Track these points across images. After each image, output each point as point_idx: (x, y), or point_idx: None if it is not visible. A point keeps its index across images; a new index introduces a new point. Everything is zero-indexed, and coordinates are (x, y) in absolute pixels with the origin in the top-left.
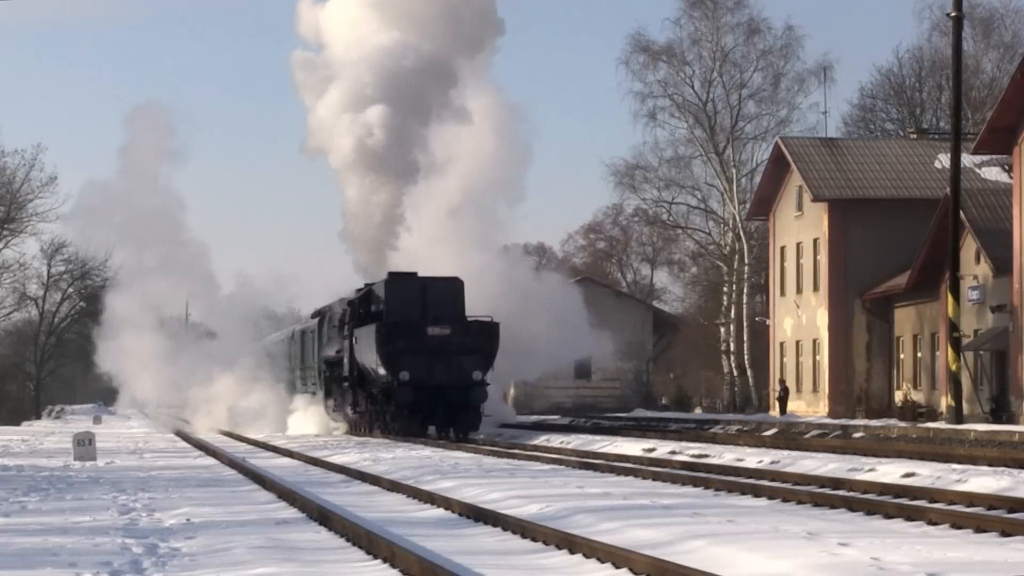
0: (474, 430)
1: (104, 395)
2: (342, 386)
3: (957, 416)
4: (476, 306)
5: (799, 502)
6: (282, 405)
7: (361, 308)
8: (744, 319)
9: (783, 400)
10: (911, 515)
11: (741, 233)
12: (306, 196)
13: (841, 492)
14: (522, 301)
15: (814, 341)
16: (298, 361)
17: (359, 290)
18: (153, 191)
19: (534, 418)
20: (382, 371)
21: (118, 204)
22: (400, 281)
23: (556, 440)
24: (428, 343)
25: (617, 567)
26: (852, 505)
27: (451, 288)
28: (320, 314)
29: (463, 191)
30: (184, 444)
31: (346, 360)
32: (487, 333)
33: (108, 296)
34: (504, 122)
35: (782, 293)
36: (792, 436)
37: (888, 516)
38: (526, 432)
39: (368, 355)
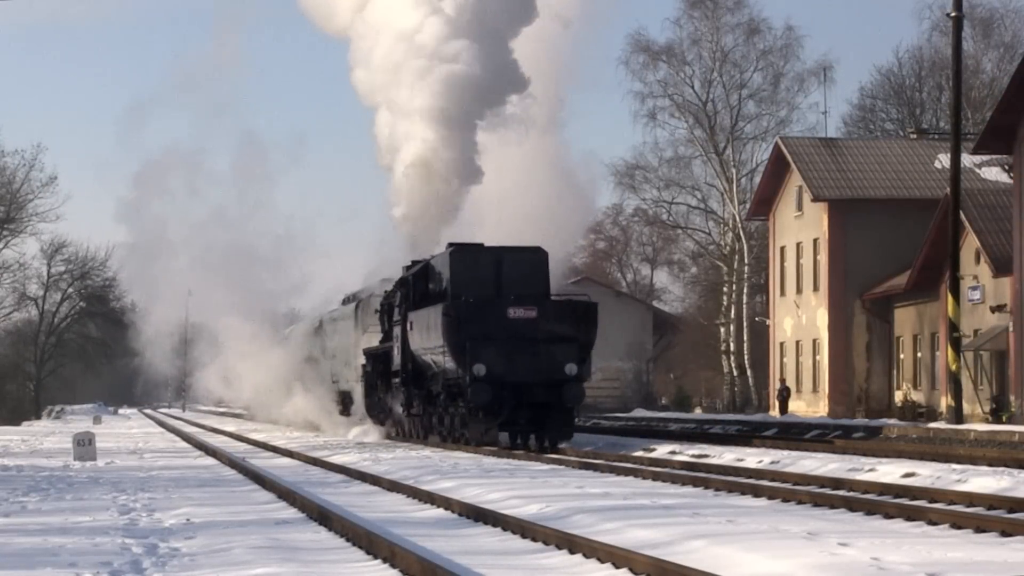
0: (567, 438)
1: (106, 395)
2: (389, 383)
3: (957, 416)
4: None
5: (799, 502)
6: (317, 407)
7: (417, 288)
8: (744, 319)
9: (784, 400)
10: (911, 515)
11: (741, 233)
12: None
13: (841, 492)
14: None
15: (814, 341)
16: (329, 355)
17: (408, 267)
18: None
19: None
20: (449, 364)
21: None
22: (468, 253)
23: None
24: (509, 328)
25: (617, 567)
26: (852, 505)
27: (533, 260)
28: (354, 299)
29: None
30: (184, 444)
31: (396, 352)
32: (584, 316)
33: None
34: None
35: (782, 293)
36: (792, 436)
37: (888, 516)
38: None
39: (429, 344)
